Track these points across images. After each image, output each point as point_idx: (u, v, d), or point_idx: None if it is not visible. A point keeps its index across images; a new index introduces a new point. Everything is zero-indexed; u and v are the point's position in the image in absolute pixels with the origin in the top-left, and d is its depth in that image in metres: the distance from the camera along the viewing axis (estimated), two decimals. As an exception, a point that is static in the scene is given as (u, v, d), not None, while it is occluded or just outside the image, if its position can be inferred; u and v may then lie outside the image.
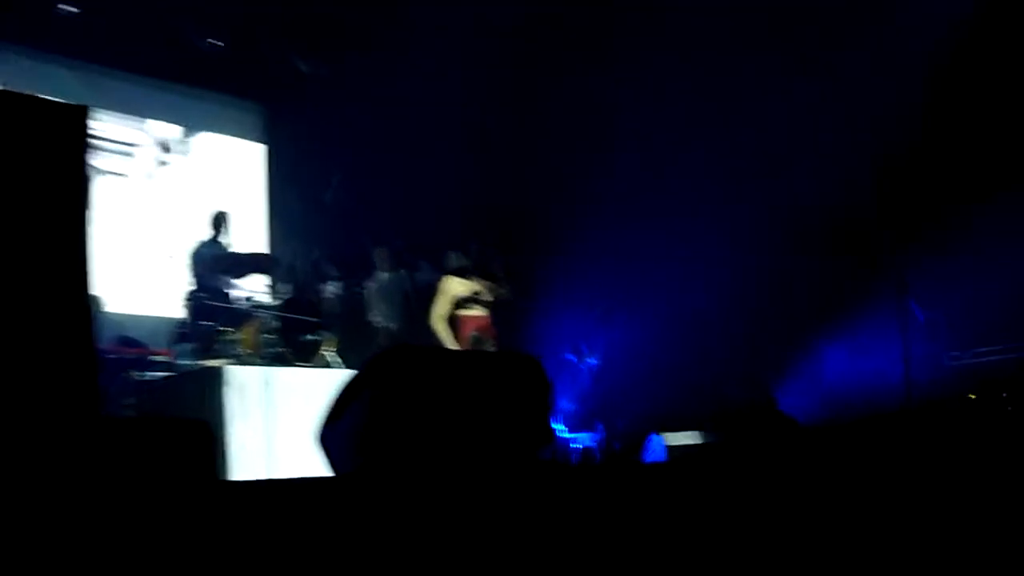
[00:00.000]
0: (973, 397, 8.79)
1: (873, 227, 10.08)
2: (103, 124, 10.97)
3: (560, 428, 10.18)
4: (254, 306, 8.77)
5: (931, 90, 9.62)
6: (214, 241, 9.33)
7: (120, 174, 11.24)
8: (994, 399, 8.28)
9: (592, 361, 10.61)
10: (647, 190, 11.11)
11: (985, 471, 4.00)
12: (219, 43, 11.48)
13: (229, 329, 8.31)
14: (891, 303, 9.05)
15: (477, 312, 8.79)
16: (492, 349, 8.67)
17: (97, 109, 10.63)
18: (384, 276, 10.24)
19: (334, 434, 4.10)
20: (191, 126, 12.03)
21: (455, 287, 8.82)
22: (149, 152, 11.58)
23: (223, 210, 9.51)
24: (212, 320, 8.42)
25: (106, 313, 8.86)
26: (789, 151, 10.25)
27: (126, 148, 11.36)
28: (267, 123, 12.74)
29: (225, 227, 9.43)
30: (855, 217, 10.29)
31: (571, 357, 10.59)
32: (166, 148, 11.67)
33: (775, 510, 3.51)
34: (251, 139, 12.62)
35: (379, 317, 10.04)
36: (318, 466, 4.41)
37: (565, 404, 10.39)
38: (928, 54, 9.47)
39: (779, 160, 10.36)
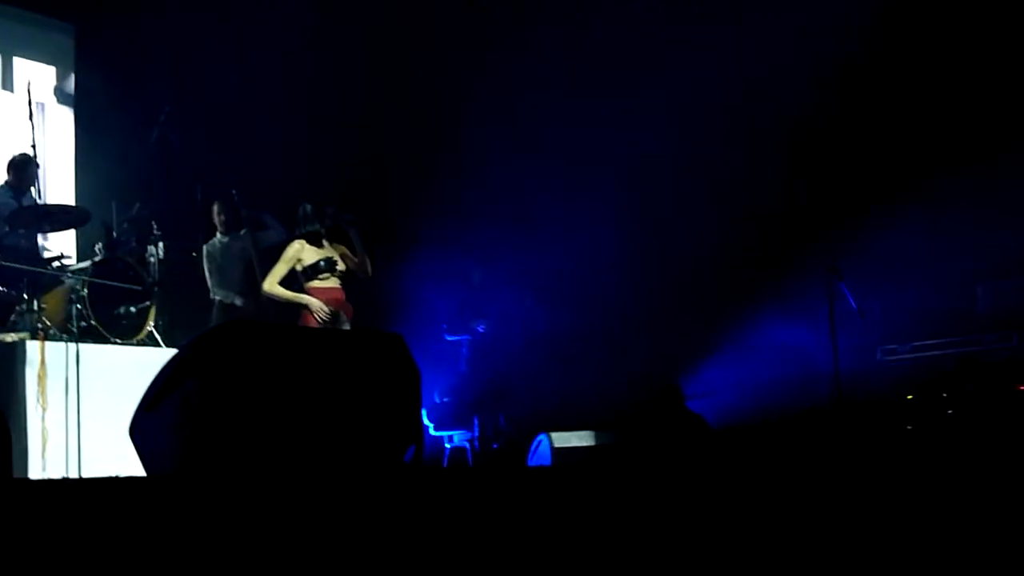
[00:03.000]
0: (911, 398, 9.08)
1: (803, 207, 10.37)
2: None
3: (429, 424, 10.20)
4: (60, 269, 8.59)
5: (870, 64, 10.07)
6: (13, 189, 9.09)
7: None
8: (933, 399, 8.56)
9: (468, 344, 10.62)
10: (544, 142, 11.24)
11: (918, 476, 4.12)
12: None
13: (29, 296, 8.14)
14: (821, 290, 9.27)
15: (330, 284, 8.74)
16: (347, 327, 8.64)
17: None
18: (222, 238, 10.09)
19: (151, 426, 4.04)
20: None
21: (303, 252, 8.76)
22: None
23: (25, 153, 9.26)
24: (8, 286, 8.24)
25: None
26: (715, 121, 10.51)
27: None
28: (77, 45, 12.44)
29: (28, 173, 9.18)
30: (784, 196, 10.60)
31: (446, 337, 10.60)
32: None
33: (673, 523, 3.56)
34: (57, 65, 12.31)
35: (215, 288, 9.91)
36: (132, 464, 4.36)
37: (436, 395, 10.40)
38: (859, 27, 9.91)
39: (701, 132, 10.61)
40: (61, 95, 12.19)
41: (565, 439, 8.48)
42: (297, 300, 8.63)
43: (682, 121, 10.72)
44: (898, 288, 10.01)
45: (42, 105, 11.53)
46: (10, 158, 9.24)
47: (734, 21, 10.66)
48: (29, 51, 11.98)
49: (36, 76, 11.84)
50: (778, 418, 9.17)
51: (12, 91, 11.67)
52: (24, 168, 9.13)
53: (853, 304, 9.06)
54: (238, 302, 9.84)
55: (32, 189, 9.14)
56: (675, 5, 11.16)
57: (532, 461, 8.60)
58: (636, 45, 11.11)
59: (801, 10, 10.28)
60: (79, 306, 8.09)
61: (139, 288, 8.70)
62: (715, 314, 10.77)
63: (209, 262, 9.94)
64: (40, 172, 9.35)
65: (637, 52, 11.09)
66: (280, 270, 8.75)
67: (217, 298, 9.89)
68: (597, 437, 8.49)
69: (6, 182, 9.11)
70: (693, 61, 10.65)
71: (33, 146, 8.91)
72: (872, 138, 10.40)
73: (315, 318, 8.51)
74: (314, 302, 8.55)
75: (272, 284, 8.70)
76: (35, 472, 7.04)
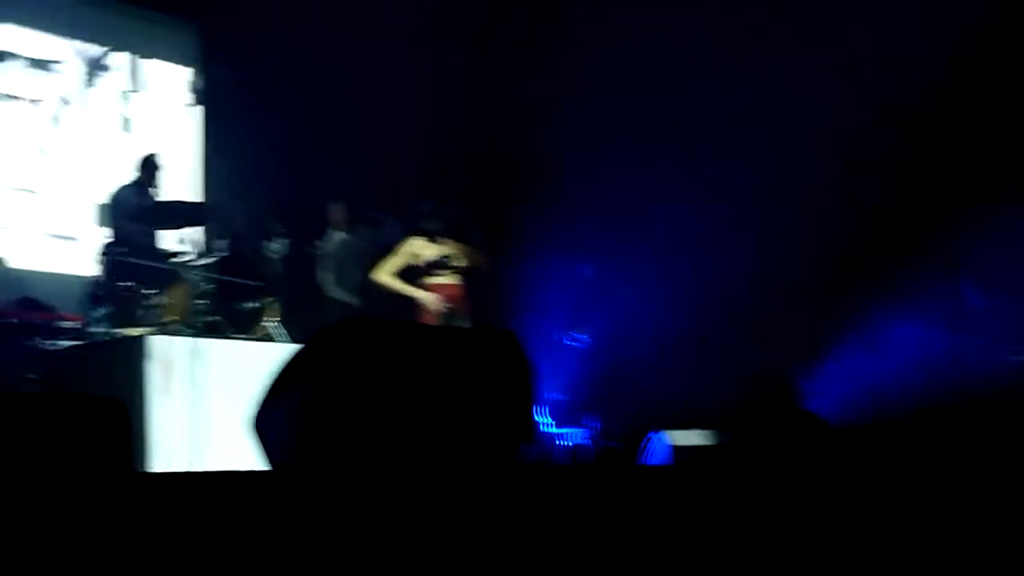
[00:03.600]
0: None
1: (923, 199, 10.19)
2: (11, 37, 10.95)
3: (545, 421, 10.21)
4: (184, 265, 8.74)
5: (994, 52, 9.88)
6: (140, 186, 9.27)
7: (33, 99, 11.19)
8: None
9: (584, 342, 10.62)
10: (657, 143, 11.20)
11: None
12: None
13: (153, 292, 8.30)
14: (941, 287, 9.12)
15: (448, 280, 8.77)
16: (464, 324, 8.66)
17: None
18: (339, 236, 10.17)
19: (271, 419, 4.10)
20: (115, 47, 11.97)
21: (419, 248, 8.80)
22: (71, 73, 11.52)
23: (153, 152, 9.45)
24: (133, 280, 8.39)
25: (7, 270, 8.84)
26: (831, 112, 10.38)
27: (41, 66, 11.31)
28: (202, 43, 12.65)
29: (154, 172, 9.37)
30: (903, 189, 10.41)
31: (560, 337, 10.60)
32: (96, 67, 11.62)
33: (796, 523, 3.54)
34: (180, 63, 12.53)
35: (331, 285, 9.99)
36: (252, 456, 4.42)
37: (552, 393, 10.40)
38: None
39: (816, 123, 10.48)
40: (188, 94, 12.42)
41: (684, 437, 8.45)
42: (411, 294, 8.65)
43: (797, 112, 10.61)
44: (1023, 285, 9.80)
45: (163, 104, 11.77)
46: (139, 158, 9.44)
47: (848, 20, 10.51)
48: (156, 50, 12.23)
49: (164, 76, 12.10)
50: (896, 419, 9.03)
51: (144, 91, 11.94)
52: (151, 167, 9.33)
53: (976, 301, 8.89)
54: (350, 300, 9.90)
55: (158, 187, 9.33)
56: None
57: (649, 459, 8.57)
58: (753, 41, 11.01)
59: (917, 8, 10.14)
60: (202, 301, 8.23)
61: (261, 284, 8.83)
62: (831, 310, 10.62)
63: (327, 259, 10.01)
64: (161, 171, 9.55)
65: (755, 49, 10.99)
66: (393, 262, 8.76)
67: (333, 296, 9.96)
68: (714, 436, 8.44)
69: (135, 180, 9.30)
70: (807, 51, 10.53)
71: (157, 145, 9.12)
72: (997, 128, 10.17)
73: (430, 313, 8.53)
74: (429, 297, 8.57)
75: (383, 274, 8.71)
76: (157, 465, 7.16)
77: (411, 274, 8.80)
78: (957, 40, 9.77)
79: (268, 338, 8.61)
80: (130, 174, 9.40)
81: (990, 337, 9.61)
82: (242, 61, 12.07)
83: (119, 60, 11.96)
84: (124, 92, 11.91)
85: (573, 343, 10.51)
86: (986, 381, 9.26)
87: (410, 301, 8.69)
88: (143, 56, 12.17)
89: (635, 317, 10.74)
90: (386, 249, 9.63)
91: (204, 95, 12.46)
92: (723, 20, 11.09)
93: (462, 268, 8.82)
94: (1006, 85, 10.07)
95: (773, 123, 10.72)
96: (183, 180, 11.97)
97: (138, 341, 7.56)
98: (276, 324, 8.72)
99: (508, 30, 12.28)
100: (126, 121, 11.79)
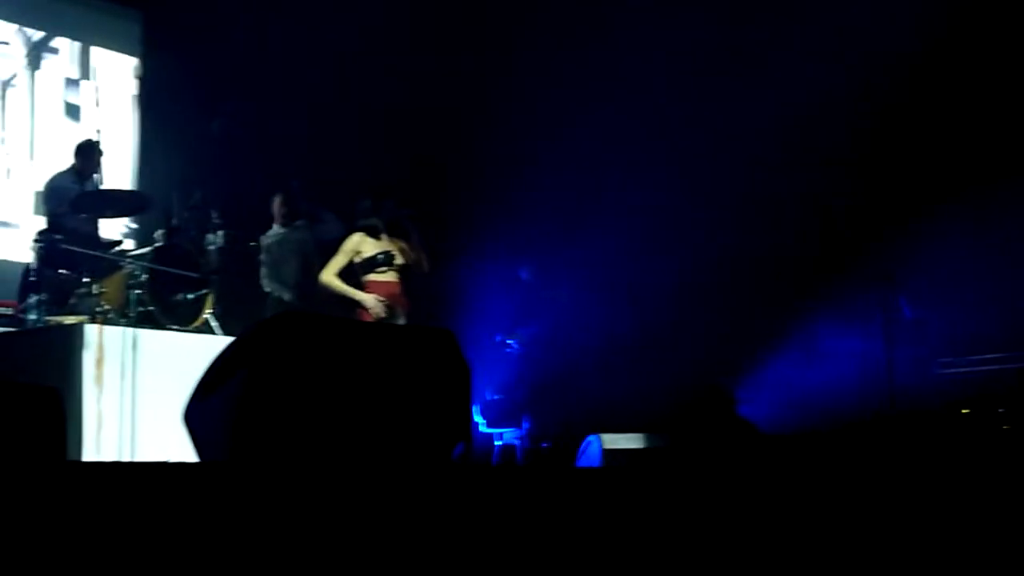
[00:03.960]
0: (966, 412, 8.98)
1: (859, 213, 10.30)
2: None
3: (479, 421, 10.23)
4: (120, 254, 8.67)
5: (925, 67, 10.00)
6: (78, 174, 9.20)
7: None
8: (989, 414, 8.46)
9: (519, 343, 10.64)
10: (596, 147, 11.26)
11: (971, 490, 4.09)
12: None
13: (89, 280, 8.23)
14: (875, 299, 9.20)
15: (387, 277, 8.78)
16: (403, 321, 8.68)
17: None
18: (279, 231, 10.12)
19: (204, 413, 4.09)
20: (60, 33, 11.87)
21: (359, 244, 8.82)
22: (14, 56, 11.42)
23: (91, 139, 9.37)
24: (69, 268, 8.33)
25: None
26: (770, 125, 10.46)
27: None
28: (144, 32, 12.56)
29: (93, 160, 9.28)
30: (840, 202, 10.53)
31: (496, 337, 10.62)
32: (40, 52, 11.53)
33: (723, 529, 3.57)
34: (124, 51, 12.44)
35: (267, 280, 9.92)
36: (185, 450, 4.41)
37: (487, 393, 10.42)
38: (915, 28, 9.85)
39: (756, 134, 10.57)
40: (132, 83, 12.34)
41: (615, 441, 8.47)
42: (353, 296, 8.66)
43: (737, 121, 10.70)
44: (956, 299, 9.92)
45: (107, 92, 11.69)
46: (76, 144, 9.36)
47: (789, 23, 10.59)
48: (102, 39, 12.15)
49: (109, 64, 12.02)
50: (829, 428, 9.11)
51: (89, 79, 11.85)
52: (89, 154, 9.25)
53: (908, 314, 8.99)
54: (286, 296, 9.85)
55: (95, 175, 9.25)
56: (739, 6, 11.13)
57: (581, 462, 8.59)
58: (693, 44, 11.07)
59: (853, 14, 10.23)
60: (138, 291, 8.17)
61: (197, 275, 8.77)
62: (768, 319, 10.71)
63: (265, 254, 9.95)
64: (103, 159, 9.47)
65: (695, 52, 11.05)
66: (339, 261, 8.80)
67: (269, 291, 9.91)
68: (647, 440, 8.47)
69: (71, 167, 9.23)
70: (748, 62, 10.63)
71: (98, 131, 9.04)
72: (930, 144, 10.29)
73: (370, 314, 8.54)
74: (369, 299, 8.58)
75: (330, 275, 8.75)
76: (89, 454, 7.11)
77: (351, 271, 8.80)
78: (895, 54, 9.90)
79: (204, 330, 8.56)
80: (68, 161, 9.32)
81: (923, 349, 9.73)
82: (185, 50, 11.99)
83: (64, 46, 11.86)
84: (68, 79, 11.81)
85: (509, 344, 10.53)
86: (917, 393, 9.37)
87: (350, 301, 8.70)
88: (88, 43, 12.08)
89: (571, 320, 10.78)
90: (325, 245, 9.60)
91: (145, 84, 12.37)
92: (671, 24, 11.14)
93: (401, 266, 8.83)
94: (943, 100, 10.20)
95: (710, 132, 10.81)
96: (124, 169, 11.89)
97: (73, 329, 7.50)
98: (213, 316, 8.68)
99: (451, 29, 12.29)
100: (69, 108, 11.70)
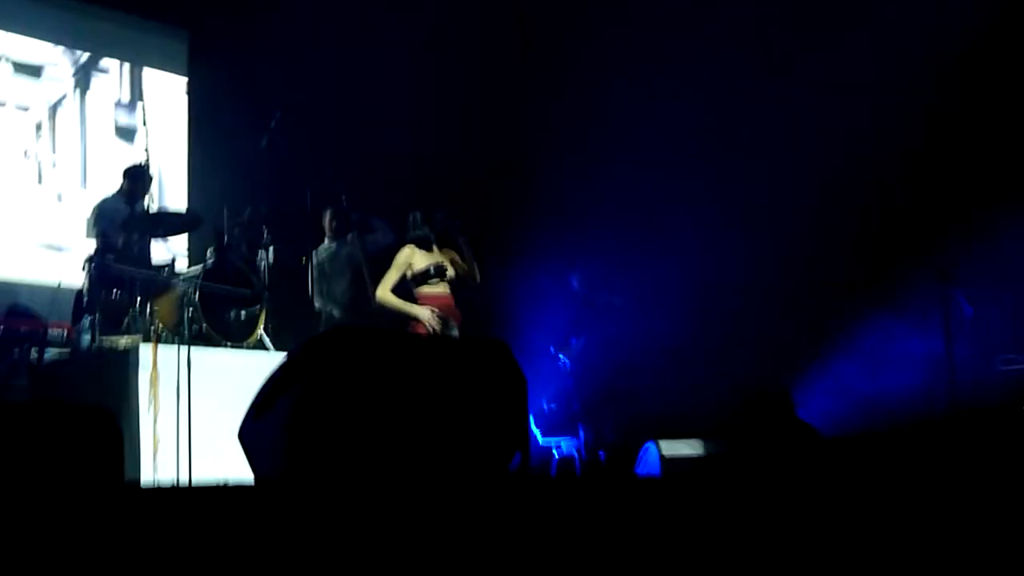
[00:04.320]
0: (1029, 409, 8.87)
1: (915, 210, 10.20)
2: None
3: (536, 432, 10.19)
4: (171, 274, 8.71)
5: (985, 63, 9.92)
6: (128, 196, 9.23)
7: (21, 106, 11.17)
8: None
9: (575, 353, 10.59)
10: (650, 152, 11.21)
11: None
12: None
13: (142, 300, 8.27)
14: (934, 295, 9.11)
15: (439, 289, 8.76)
16: (455, 334, 8.65)
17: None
18: (329, 246, 10.12)
19: (259, 431, 4.08)
20: (108, 54, 11.95)
21: (410, 257, 8.80)
22: (62, 79, 11.51)
23: (140, 163, 9.41)
24: (121, 289, 8.37)
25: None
26: (827, 125, 10.40)
27: (30, 72, 11.30)
28: (191, 50, 12.63)
29: (142, 182, 9.31)
30: (896, 199, 10.43)
31: (551, 347, 10.58)
32: (88, 74, 11.61)
33: (789, 535, 3.53)
34: (172, 71, 12.51)
35: (320, 297, 9.91)
36: (241, 468, 4.41)
37: (543, 403, 10.39)
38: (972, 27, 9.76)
39: (813, 136, 10.51)
40: (180, 102, 12.41)
41: (673, 447, 8.42)
42: (408, 311, 8.62)
43: (792, 124, 10.64)
44: (1016, 295, 9.80)
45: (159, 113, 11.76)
46: (125, 168, 9.40)
47: (845, 27, 10.53)
48: (149, 59, 12.22)
49: (158, 84, 12.09)
50: (890, 429, 9.01)
51: (140, 100, 11.93)
52: (138, 177, 9.28)
53: (968, 311, 8.89)
54: (336, 313, 9.83)
55: (145, 197, 9.30)
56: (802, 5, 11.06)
57: (640, 469, 8.55)
58: (753, 48, 11.03)
59: (915, 11, 10.16)
60: (191, 310, 8.19)
61: (249, 293, 8.79)
62: (825, 320, 10.62)
63: (316, 269, 9.92)
64: (154, 180, 9.52)
65: (754, 51, 11.00)
66: (392, 277, 8.76)
67: (320, 307, 9.88)
68: (707, 446, 8.42)
69: (120, 189, 9.28)
70: (807, 62, 10.56)
71: (147, 151, 9.08)
72: (988, 139, 10.19)
73: (425, 327, 8.50)
74: (424, 313, 8.55)
75: (385, 292, 8.71)
76: (147, 475, 7.14)
77: (403, 284, 8.79)
78: (949, 55, 9.81)
79: (258, 347, 8.58)
80: (118, 183, 9.37)
81: (983, 346, 9.61)
82: (232, 66, 12.05)
83: (113, 67, 11.94)
84: (118, 101, 11.89)
85: (562, 353, 10.49)
86: (979, 390, 9.26)
87: (405, 316, 8.67)
88: (137, 64, 12.15)
89: (625, 327, 10.71)
90: (378, 256, 9.59)
91: (194, 102, 12.44)
92: (719, 30, 11.10)
93: (452, 277, 8.81)
94: (998, 100, 10.10)
95: (767, 135, 10.74)
96: (178, 189, 11.96)
97: (127, 351, 7.53)
98: (264, 333, 8.70)
99: (504, 40, 12.30)
100: (120, 130, 11.78)
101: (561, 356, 10.49)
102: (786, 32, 10.94)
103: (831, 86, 10.30)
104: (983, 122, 10.18)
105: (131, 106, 12.00)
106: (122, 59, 12.07)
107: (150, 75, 12.24)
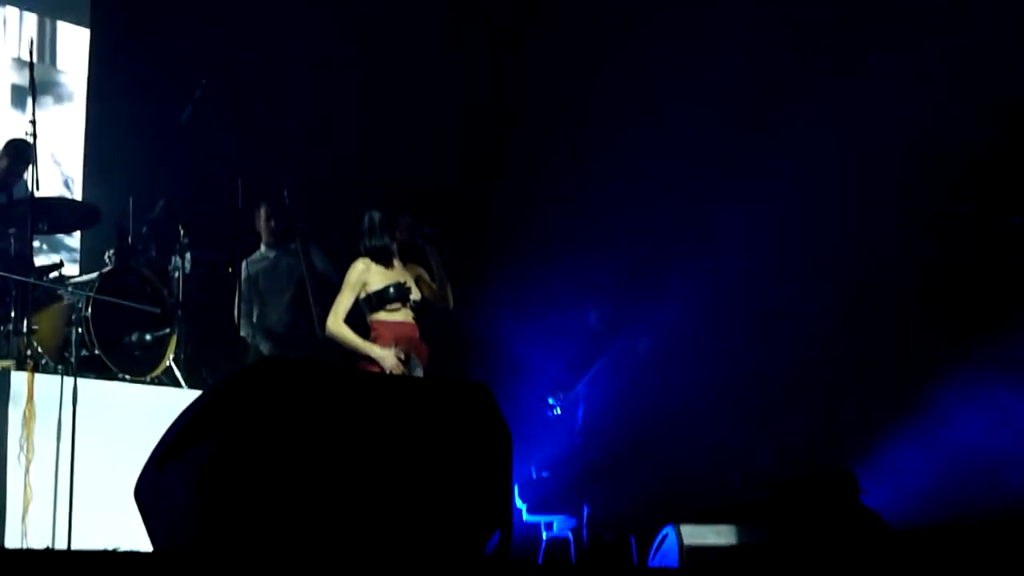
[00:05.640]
0: None
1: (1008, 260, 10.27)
2: None
3: (520, 506, 10.17)
4: (57, 281, 8.67)
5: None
6: (4, 175, 9.21)
7: None
8: None
9: (575, 409, 10.59)
10: (673, 169, 11.25)
11: None
12: None
13: (17, 315, 8.22)
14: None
15: (401, 317, 8.67)
16: (420, 373, 8.58)
17: None
18: (266, 253, 10.10)
19: (162, 487, 4.05)
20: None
21: (364, 274, 8.67)
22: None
23: (24, 134, 9.34)
24: (-7, 300, 8.34)
25: None
26: (904, 152, 10.48)
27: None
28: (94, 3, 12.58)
29: (24, 160, 9.27)
30: (994, 237, 10.50)
31: (548, 397, 10.57)
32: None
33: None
34: (73, 20, 12.45)
35: (248, 322, 9.86)
36: (135, 533, 4.37)
37: (532, 469, 10.37)
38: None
39: (888, 164, 10.59)
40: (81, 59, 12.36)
41: (698, 534, 8.42)
42: (368, 351, 8.47)
43: (865, 153, 10.68)
44: None
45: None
46: (6, 141, 9.35)
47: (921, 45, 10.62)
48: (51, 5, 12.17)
49: (63, 37, 12.04)
50: (983, 519, 9.01)
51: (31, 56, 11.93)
52: (20, 154, 9.22)
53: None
54: (264, 346, 9.80)
55: (27, 180, 9.21)
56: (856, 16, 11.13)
57: (655, 561, 8.53)
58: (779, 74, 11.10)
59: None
60: (80, 329, 8.15)
61: (157, 310, 8.73)
62: (901, 376, 10.61)
63: (246, 284, 9.83)
64: (40, 160, 9.44)
65: (810, 68, 11.06)
66: (345, 301, 8.58)
67: (248, 332, 9.82)
68: (740, 534, 8.42)
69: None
70: (881, 90, 10.64)
71: (32, 123, 8.97)
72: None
73: (381, 369, 8.40)
74: (388, 360, 8.42)
75: (338, 322, 8.53)
76: (13, 539, 7.10)
77: (355, 308, 8.69)
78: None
79: (164, 381, 8.53)
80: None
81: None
82: (147, 18, 12.02)
83: (11, 16, 11.88)
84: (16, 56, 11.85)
85: (563, 406, 10.46)
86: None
87: (361, 356, 8.56)
88: (43, 14, 12.10)
89: (651, 378, 10.67)
90: (327, 274, 9.57)
91: (96, 63, 12.36)
92: (749, 53, 11.15)
93: (417, 301, 8.71)
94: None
95: (832, 162, 10.77)
96: (70, 171, 11.88)
97: (-4, 378, 7.50)
98: (174, 364, 8.64)
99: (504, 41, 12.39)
100: (17, 91, 11.70)
101: (559, 409, 10.46)
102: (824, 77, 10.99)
103: (893, 135, 10.37)
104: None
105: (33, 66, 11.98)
106: (21, 7, 12.00)
107: (58, 28, 12.18)
